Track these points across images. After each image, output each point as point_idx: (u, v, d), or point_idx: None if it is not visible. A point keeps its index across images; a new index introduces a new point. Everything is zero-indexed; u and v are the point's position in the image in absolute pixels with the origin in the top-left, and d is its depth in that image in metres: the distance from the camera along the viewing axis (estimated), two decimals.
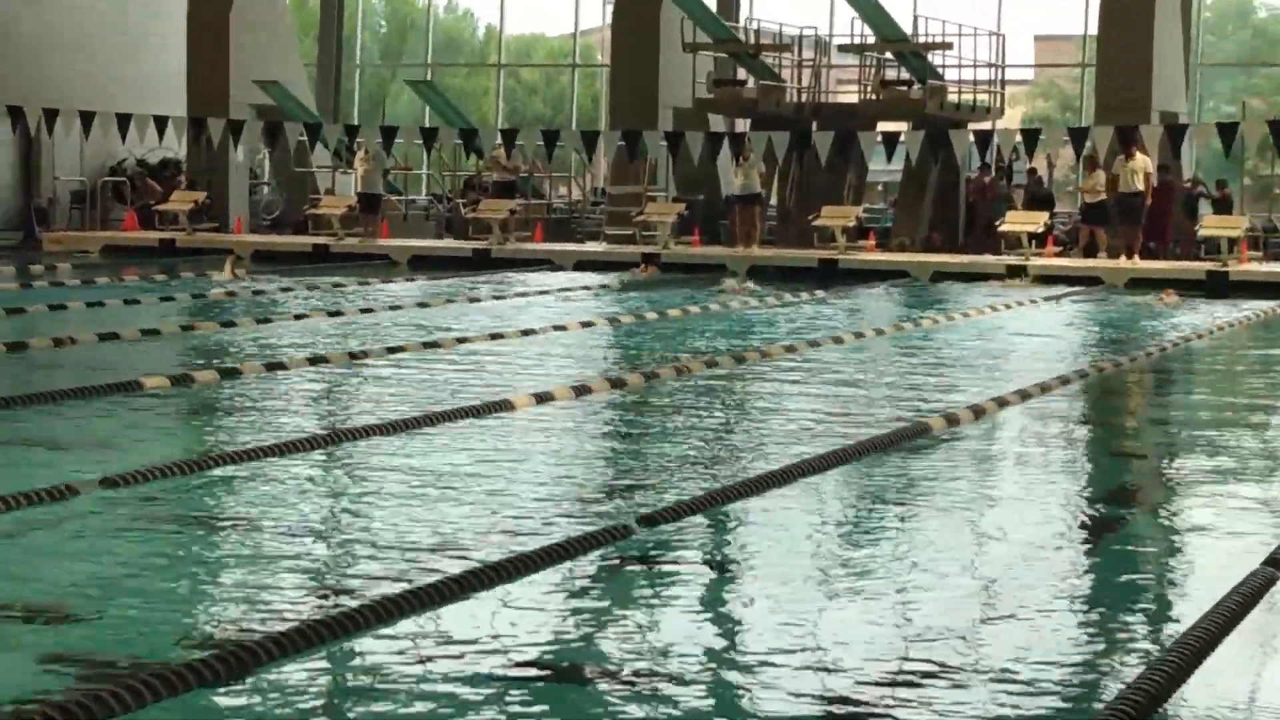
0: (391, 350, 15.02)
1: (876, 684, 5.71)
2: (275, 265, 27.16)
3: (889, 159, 29.60)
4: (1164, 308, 22.66)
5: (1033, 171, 30.96)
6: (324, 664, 5.83)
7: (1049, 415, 12.36)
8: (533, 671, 5.82)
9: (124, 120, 30.39)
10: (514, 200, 31.40)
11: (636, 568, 7.31)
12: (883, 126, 30.06)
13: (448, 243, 30.94)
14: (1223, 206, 29.71)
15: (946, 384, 13.82)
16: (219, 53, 32.77)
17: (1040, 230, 27.95)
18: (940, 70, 31.82)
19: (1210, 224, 27.73)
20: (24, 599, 6.52)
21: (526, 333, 16.96)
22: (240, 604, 6.59)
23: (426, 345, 15.52)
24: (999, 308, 21.41)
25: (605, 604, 6.89)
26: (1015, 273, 26.19)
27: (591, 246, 30.40)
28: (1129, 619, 6.73)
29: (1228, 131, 26.87)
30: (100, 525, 7.85)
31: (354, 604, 6.39)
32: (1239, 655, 6.16)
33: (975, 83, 32.45)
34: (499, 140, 31.12)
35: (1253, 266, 26.41)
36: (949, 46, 31.79)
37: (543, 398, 12.01)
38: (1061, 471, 10.26)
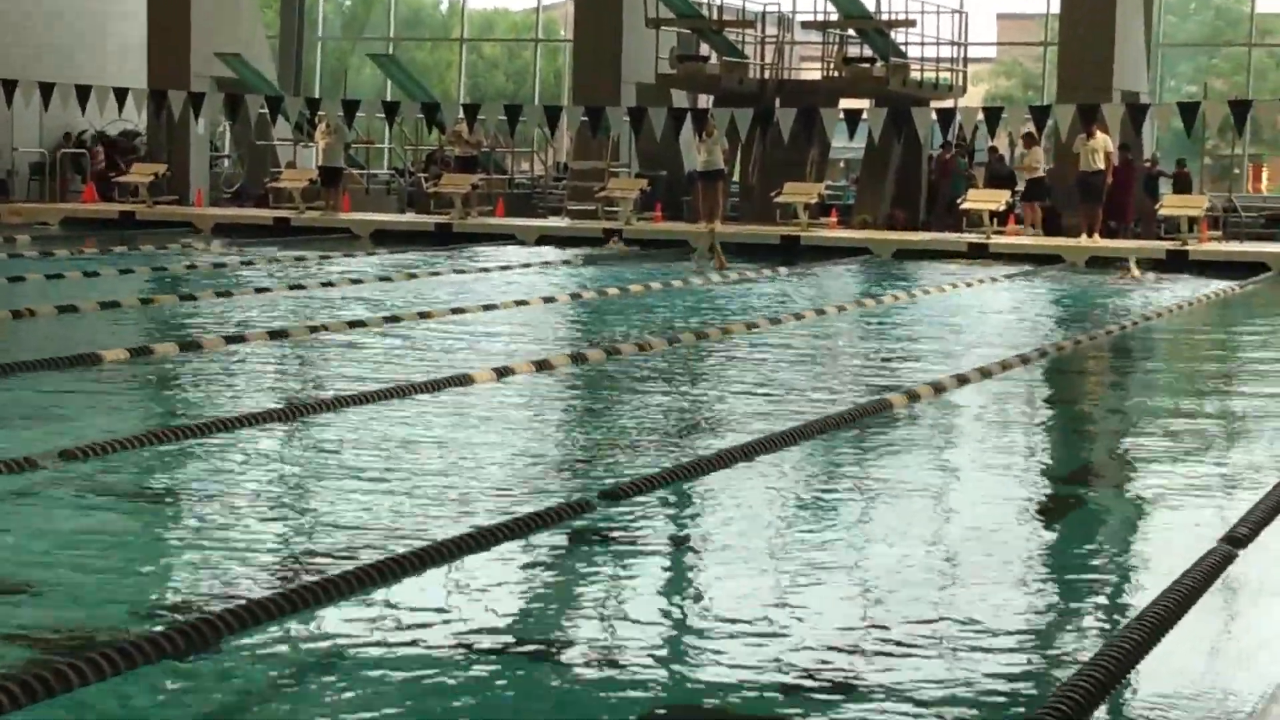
0: (352, 324, 14.99)
1: (835, 658, 5.72)
2: (236, 238, 27.05)
3: (851, 136, 29.64)
4: (1128, 282, 22.79)
5: (994, 150, 31.03)
6: (282, 638, 5.82)
7: (1009, 393, 12.40)
8: (492, 646, 5.81)
9: (84, 92, 30.19)
10: (476, 175, 31.32)
11: (596, 543, 7.31)
12: (845, 103, 30.09)
13: (409, 217, 30.86)
14: (1182, 185, 29.85)
15: (908, 361, 13.85)
16: (180, 24, 32.57)
17: (1002, 208, 28.03)
18: (903, 48, 31.85)
19: (1171, 203, 27.86)
20: None
21: (488, 307, 16.93)
22: (199, 577, 6.57)
23: (387, 320, 15.48)
24: (960, 285, 21.46)
25: (565, 579, 6.89)
26: (976, 252, 26.24)
27: (554, 222, 30.36)
28: (1087, 596, 6.76)
29: (1189, 111, 26.97)
30: (58, 498, 7.82)
31: (312, 578, 6.38)
32: (1197, 632, 6.19)
33: (938, 60, 32.50)
34: (461, 115, 31.04)
35: (1213, 246, 26.54)
36: (912, 24, 31.83)
37: (503, 372, 12.00)
38: (1021, 448, 10.30)
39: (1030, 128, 28.24)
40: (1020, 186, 28.96)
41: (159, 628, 5.68)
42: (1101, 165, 26.90)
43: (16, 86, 30.09)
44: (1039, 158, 28.04)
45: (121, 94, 30.37)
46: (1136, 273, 23.45)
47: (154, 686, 5.27)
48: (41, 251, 23.01)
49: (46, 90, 30.07)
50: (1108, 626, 6.23)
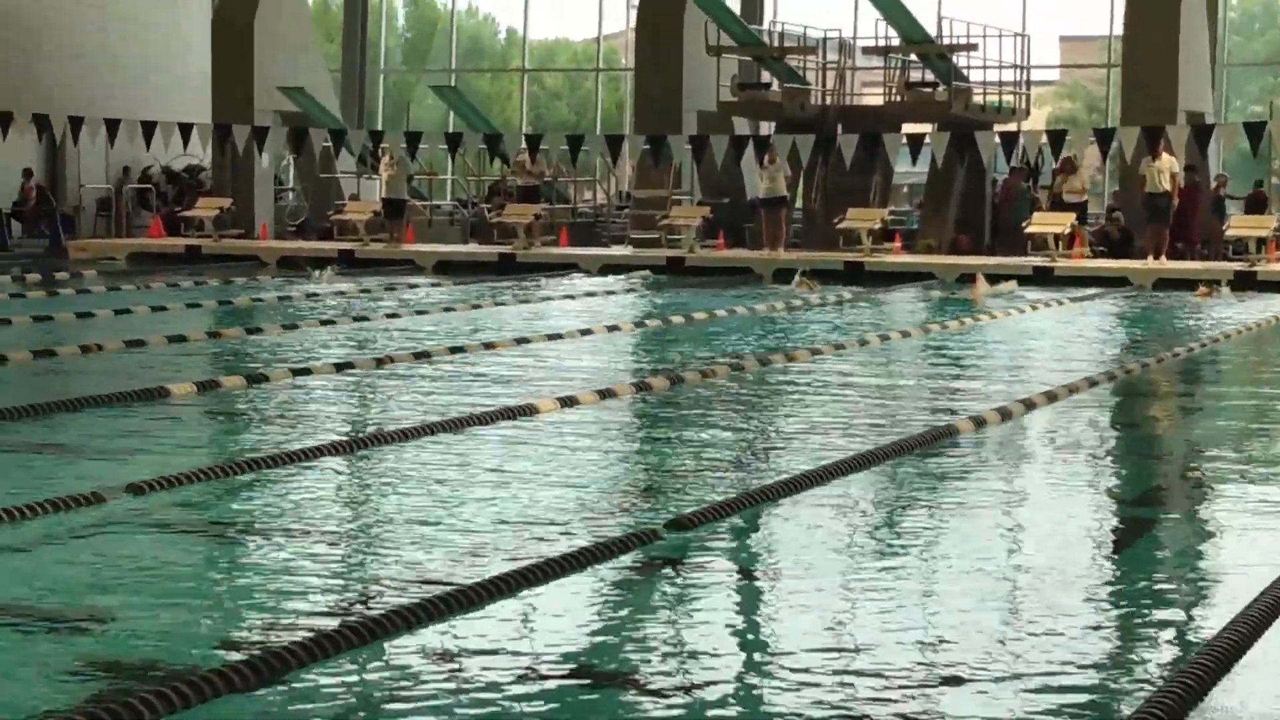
0: (418, 355, 15.03)
1: (906, 687, 5.69)
2: (301, 272, 27.19)
3: (914, 161, 29.55)
4: (1202, 299, 22.80)
5: (1058, 173, 30.87)
6: (352, 670, 5.83)
7: (1076, 417, 12.32)
8: (560, 676, 5.80)
9: (149, 127, 30.45)
10: (539, 205, 31.41)
11: (664, 572, 7.29)
12: (908, 128, 30.00)
13: (473, 248, 30.95)
14: (1256, 206, 29.58)
15: (974, 386, 13.78)
16: (243, 59, 32.85)
17: (1067, 231, 27.88)
18: (965, 71, 31.75)
19: (1238, 224, 27.65)
20: (52, 606, 6.52)
21: (552, 336, 16.95)
22: (268, 610, 6.59)
23: (452, 350, 15.52)
24: (1025, 309, 21.35)
25: (632, 609, 6.87)
26: (1041, 276, 26.07)
27: (616, 250, 30.40)
28: (1158, 622, 6.69)
29: (1255, 131, 26.77)
30: (127, 532, 7.86)
31: (382, 609, 6.39)
32: (1268, 660, 6.12)
33: (1000, 84, 32.39)
34: (523, 145, 31.15)
35: None
36: (974, 48, 31.73)
37: (567, 402, 12.00)
38: (1089, 473, 10.22)
39: (1070, 153, 28.20)
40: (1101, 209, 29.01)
41: (226, 661, 5.69)
42: (1167, 187, 26.73)
43: (83, 123, 30.38)
44: (1081, 183, 28.10)
45: (186, 129, 30.63)
46: (1212, 292, 23.52)
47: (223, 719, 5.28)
48: (109, 286, 23.20)
49: (112, 126, 30.35)
50: (1178, 654, 6.17)
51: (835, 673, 5.86)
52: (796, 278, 24.72)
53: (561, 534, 7.84)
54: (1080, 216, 28.26)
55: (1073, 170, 28.25)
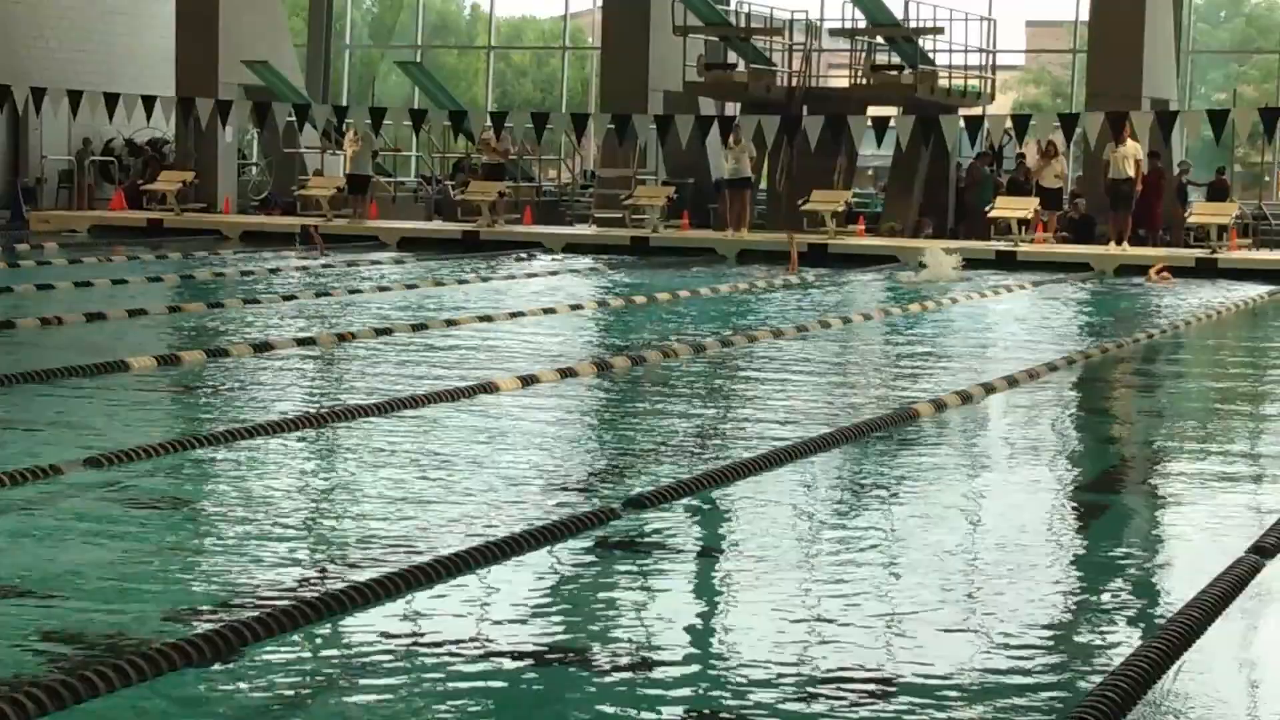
0: (379, 332, 15.00)
1: (862, 662, 5.70)
2: (263, 246, 27.11)
3: (879, 144, 29.56)
4: (1157, 285, 22.81)
5: (1022, 158, 30.96)
6: (307, 646, 5.82)
7: (1037, 402, 12.36)
8: (517, 654, 5.80)
9: (112, 100, 30.27)
10: (503, 183, 31.35)
11: (622, 551, 7.29)
12: (873, 111, 30.00)
13: (437, 225, 30.88)
14: (1218, 193, 29.70)
15: (935, 370, 13.81)
16: (208, 32, 32.65)
17: (1030, 216, 27.95)
18: (931, 55, 31.78)
19: (1200, 211, 27.75)
20: (8, 579, 6.50)
21: (514, 315, 16.93)
22: (224, 584, 6.57)
23: (414, 327, 15.50)
24: (987, 294, 21.40)
25: (590, 587, 6.88)
26: (1004, 260, 26.13)
27: (580, 229, 30.36)
28: (1115, 604, 6.73)
29: (1219, 119, 26.86)
30: (84, 505, 7.83)
31: (338, 586, 6.38)
32: (1224, 641, 6.15)
33: (966, 68, 32.43)
34: (489, 122, 31.06)
35: (1242, 254, 26.43)
36: (940, 31, 31.76)
37: (528, 380, 11.99)
38: (1048, 457, 10.26)
39: (1053, 138, 28.22)
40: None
41: (183, 635, 5.67)
42: (1131, 173, 26.79)
43: (45, 94, 30.20)
44: (1059, 169, 28.13)
45: (150, 101, 30.45)
46: (1168, 277, 23.55)
47: (178, 695, 5.26)
48: (70, 259, 23.09)
49: (75, 98, 30.17)
50: (1135, 635, 6.20)
51: (792, 651, 5.87)
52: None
53: (519, 512, 7.83)
54: (1056, 202, 28.30)
55: (1054, 155, 28.24)
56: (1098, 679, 5.51)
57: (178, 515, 7.84)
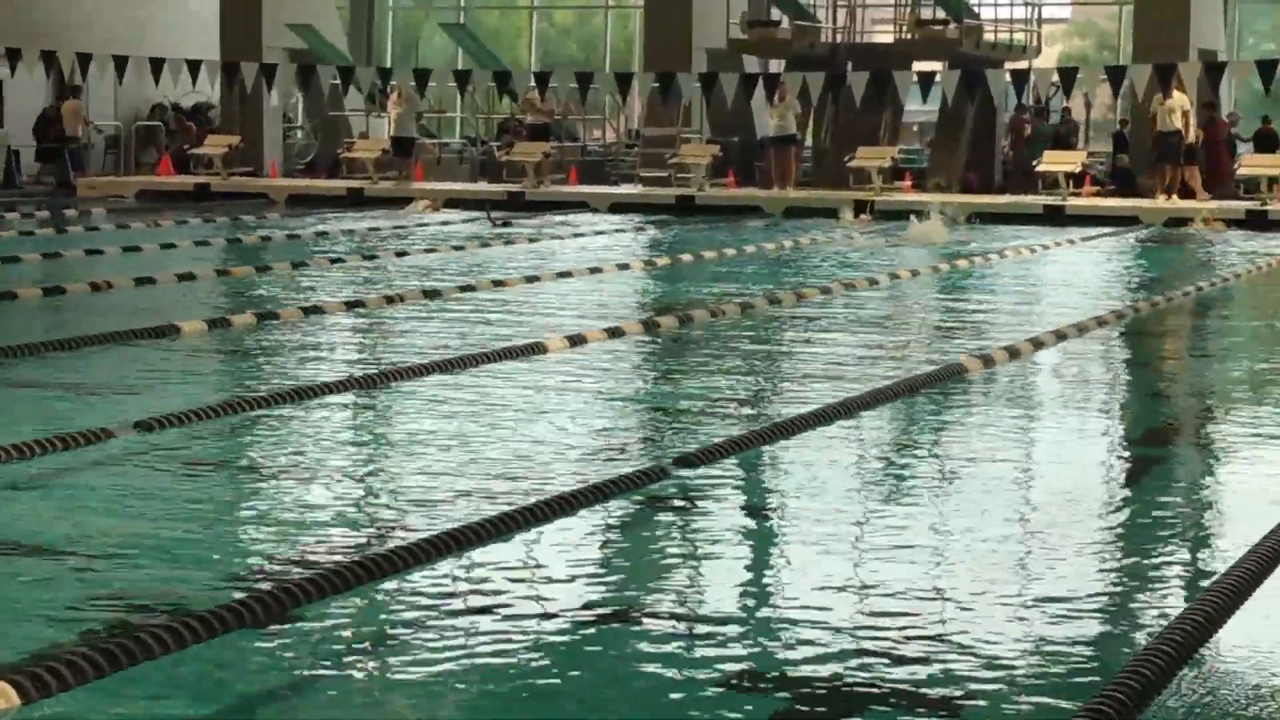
0: (427, 294, 15.02)
1: (912, 623, 5.70)
2: (309, 208, 27.17)
3: (924, 99, 29.42)
4: (1207, 230, 22.74)
5: (1066, 111, 30.76)
6: (360, 606, 5.84)
7: (1085, 356, 12.31)
8: (569, 613, 5.81)
9: (157, 64, 30.34)
10: (548, 143, 31.32)
11: (672, 510, 7.30)
12: (918, 66, 29.87)
13: (482, 186, 30.89)
14: (1266, 143, 29.41)
15: (982, 325, 13.76)
16: None
17: (1078, 170, 27.77)
18: (976, 8, 31.58)
19: (1249, 163, 27.53)
20: (61, 542, 6.54)
21: (562, 275, 16.94)
22: (277, 546, 6.61)
23: (462, 289, 15.51)
24: (1035, 249, 21.30)
25: (640, 546, 6.89)
26: (1052, 215, 25.97)
27: (626, 189, 30.33)
28: (1166, 561, 6.70)
29: (1267, 69, 26.61)
30: (135, 468, 7.88)
31: (390, 546, 6.40)
32: (1275, 599, 6.12)
33: (1011, 21, 32.23)
34: (532, 83, 31.03)
35: None
36: None
37: (576, 340, 12.00)
38: (1097, 413, 10.22)
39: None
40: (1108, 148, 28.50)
41: (237, 597, 5.71)
42: (1179, 125, 26.58)
43: (91, 60, 30.28)
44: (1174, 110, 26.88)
45: (195, 66, 30.51)
46: (1218, 225, 23.47)
47: (234, 655, 5.30)
48: (118, 224, 23.18)
49: (121, 64, 30.24)
50: (1185, 594, 6.18)
51: (845, 608, 5.87)
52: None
53: (570, 471, 7.85)
54: (1168, 151, 27.04)
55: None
56: (1149, 637, 5.49)
57: (229, 478, 7.88)
